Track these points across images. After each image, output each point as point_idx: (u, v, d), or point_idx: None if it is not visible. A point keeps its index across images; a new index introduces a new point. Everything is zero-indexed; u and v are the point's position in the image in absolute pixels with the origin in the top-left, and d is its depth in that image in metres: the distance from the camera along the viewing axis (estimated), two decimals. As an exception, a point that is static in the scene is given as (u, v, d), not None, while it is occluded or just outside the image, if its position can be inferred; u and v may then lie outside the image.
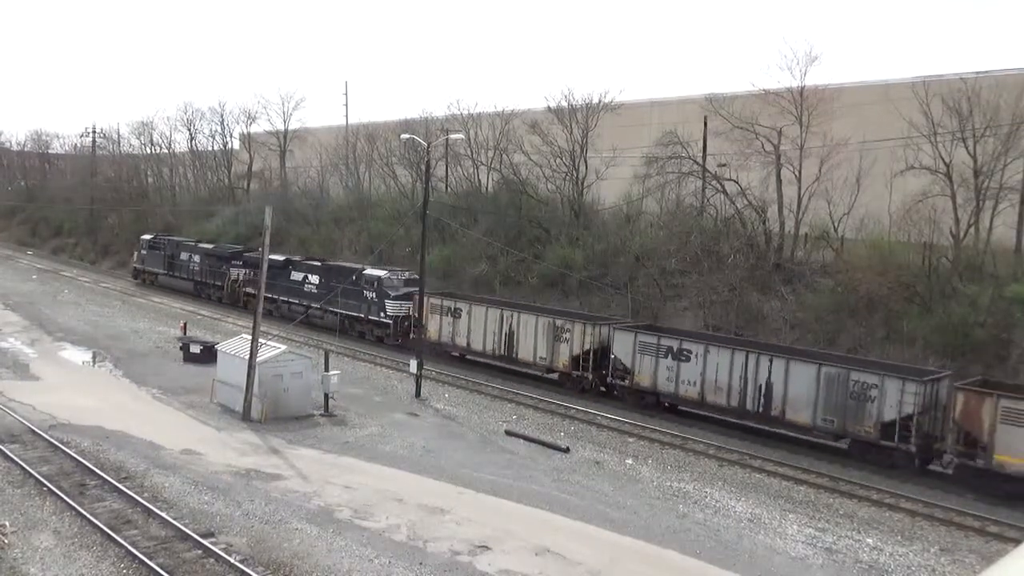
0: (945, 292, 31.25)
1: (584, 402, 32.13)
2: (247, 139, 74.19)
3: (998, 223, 32.94)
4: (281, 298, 47.80)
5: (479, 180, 53.59)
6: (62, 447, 23.25)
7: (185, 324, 42.12)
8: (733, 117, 37.83)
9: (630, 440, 27.98)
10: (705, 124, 40.89)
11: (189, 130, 78.83)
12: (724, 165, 39.86)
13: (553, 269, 42.53)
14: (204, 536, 17.72)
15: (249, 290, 50.83)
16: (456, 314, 38.05)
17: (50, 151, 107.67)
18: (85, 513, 18.66)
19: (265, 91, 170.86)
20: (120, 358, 36.69)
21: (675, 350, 30.11)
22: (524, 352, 35.28)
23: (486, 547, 18.25)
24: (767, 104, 37.50)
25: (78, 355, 37.68)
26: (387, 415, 29.62)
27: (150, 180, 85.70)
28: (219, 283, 54.43)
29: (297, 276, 47.39)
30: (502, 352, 36.30)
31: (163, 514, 18.78)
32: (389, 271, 43.08)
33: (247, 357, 27.41)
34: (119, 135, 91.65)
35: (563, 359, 33.89)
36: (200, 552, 17.15)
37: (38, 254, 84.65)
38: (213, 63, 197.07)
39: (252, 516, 19.27)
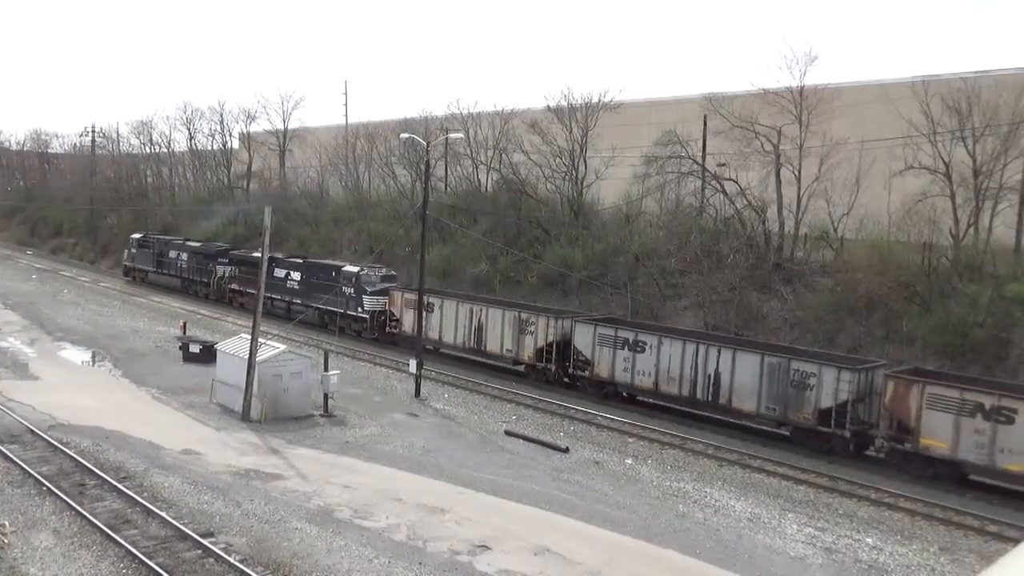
0: (945, 292, 31.25)
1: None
2: (247, 139, 74.12)
3: (998, 223, 32.93)
4: (264, 294, 48.11)
5: (479, 180, 53.56)
6: (62, 447, 23.25)
7: (185, 324, 42.14)
8: (733, 117, 37.80)
9: (629, 440, 27.98)
10: (705, 124, 40.87)
11: (188, 129, 78.82)
12: (724, 165, 39.85)
13: (553, 269, 42.54)
14: (204, 536, 17.72)
15: (234, 286, 52.93)
16: (429, 308, 38.84)
17: (49, 151, 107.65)
18: (85, 513, 18.66)
19: (265, 91, 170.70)
20: (120, 358, 36.69)
21: (631, 342, 31.20)
22: (492, 345, 36.40)
23: (486, 547, 18.25)
24: (767, 104, 37.48)
25: (78, 355, 37.68)
26: (387, 415, 29.62)
27: (150, 180, 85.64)
28: (205, 280, 56.04)
29: (280, 273, 48.27)
30: (472, 345, 37.56)
31: (163, 514, 18.79)
32: (366, 267, 44.06)
33: (246, 357, 27.41)
34: (118, 134, 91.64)
35: (528, 351, 35.06)
36: (200, 552, 17.15)
37: (38, 254, 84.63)
38: (213, 63, 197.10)
39: (252, 516, 19.27)
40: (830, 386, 25.93)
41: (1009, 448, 22.28)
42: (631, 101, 48.16)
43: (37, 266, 73.73)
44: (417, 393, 32.48)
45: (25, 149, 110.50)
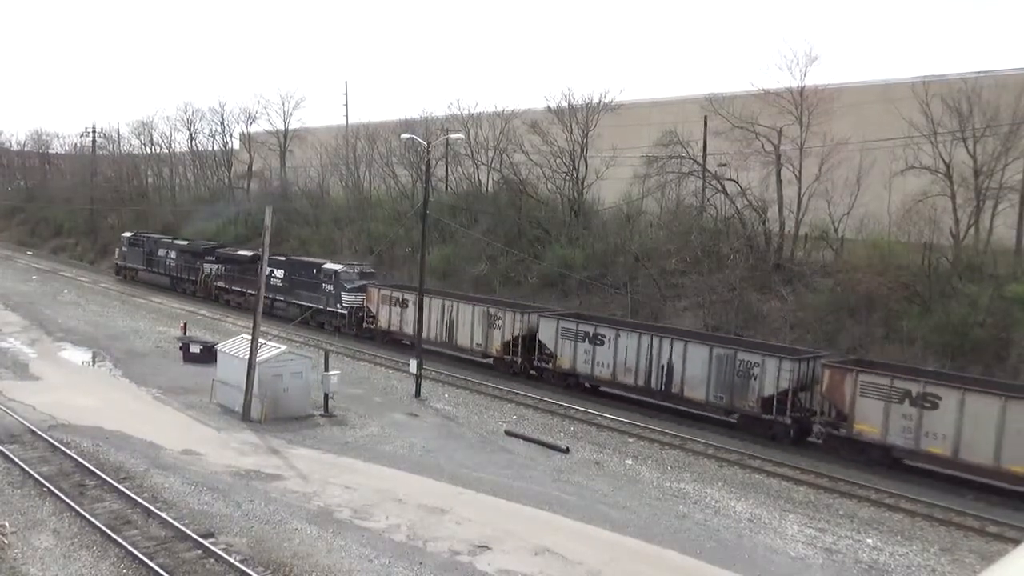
0: (945, 292, 31.24)
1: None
2: (247, 139, 74.15)
3: (998, 223, 32.93)
4: (248, 291, 50.37)
5: (479, 180, 53.56)
6: (62, 447, 23.24)
7: (185, 324, 42.14)
8: (733, 117, 37.82)
9: (630, 440, 27.98)
10: (705, 124, 40.88)
11: (189, 130, 78.88)
12: (724, 165, 39.85)
13: (553, 269, 42.54)
14: (204, 536, 17.71)
15: (220, 284, 54.54)
16: (404, 304, 40.47)
17: (50, 151, 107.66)
18: (85, 513, 18.65)
19: (265, 91, 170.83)
20: (120, 358, 36.69)
21: (591, 335, 32.50)
22: (463, 339, 37.57)
23: (486, 547, 18.25)
24: (767, 104, 37.50)
25: (78, 355, 37.69)
26: (387, 415, 29.62)
27: (150, 180, 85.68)
28: (193, 278, 57.39)
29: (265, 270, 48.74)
30: (444, 339, 38.79)
31: (163, 514, 18.77)
32: (346, 265, 45.54)
33: (247, 357, 27.39)
34: (119, 135, 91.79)
35: (496, 345, 36.33)
36: (200, 552, 17.14)
37: (38, 254, 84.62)
38: (213, 63, 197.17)
39: (252, 516, 19.26)
40: (772, 375, 27.12)
41: (933, 432, 23.60)
42: (631, 101, 48.16)
43: (37, 266, 73.73)
44: (417, 393, 32.48)
45: (26, 149, 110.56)
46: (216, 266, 55.43)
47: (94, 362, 36.34)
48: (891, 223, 34.17)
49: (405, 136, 44.59)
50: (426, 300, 38.85)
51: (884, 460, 25.07)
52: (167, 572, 16.15)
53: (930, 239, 32.65)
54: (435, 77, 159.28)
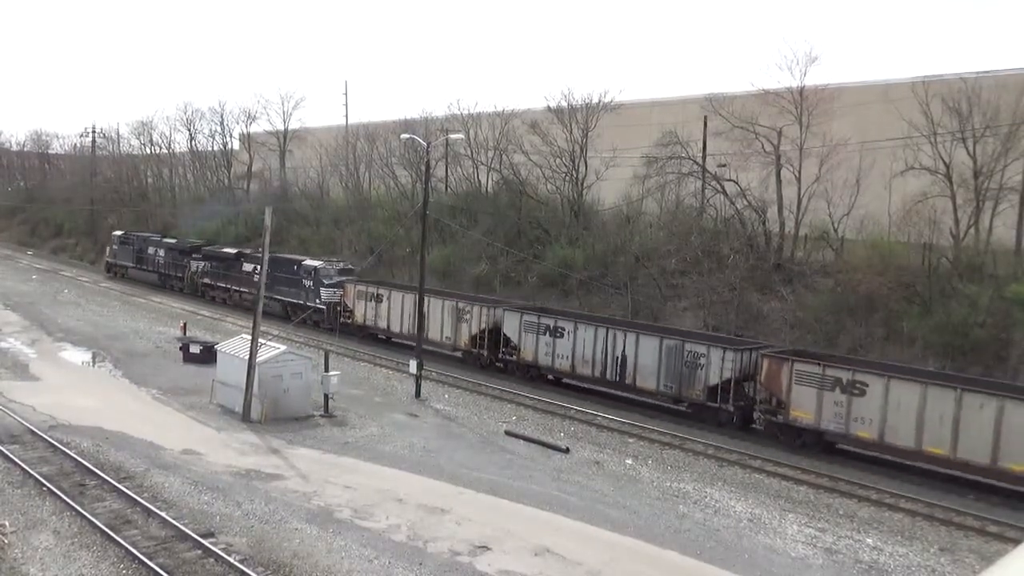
0: (945, 292, 31.24)
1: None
2: (247, 139, 74.11)
3: (998, 223, 32.91)
4: (233, 287, 52.46)
5: (479, 180, 53.53)
6: (62, 448, 23.25)
7: (185, 324, 42.16)
8: (733, 117, 37.79)
9: (630, 440, 27.99)
10: (705, 124, 40.86)
11: (189, 130, 78.77)
12: (724, 165, 39.83)
13: (553, 269, 42.53)
14: (204, 536, 17.72)
15: (206, 280, 56.21)
16: (378, 299, 41.75)
17: (50, 151, 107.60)
18: (85, 513, 18.66)
19: (265, 91, 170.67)
20: (120, 358, 36.68)
21: (552, 328, 33.83)
22: (433, 332, 38.10)
23: (486, 547, 18.25)
24: (767, 104, 37.47)
25: (78, 355, 37.68)
26: (387, 415, 29.62)
27: (150, 180, 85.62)
28: (180, 275, 59.00)
29: (248, 267, 51.36)
30: (415, 333, 38.76)
31: (163, 514, 18.78)
32: (324, 262, 47.09)
33: (247, 357, 27.39)
34: (119, 135, 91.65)
35: (464, 338, 37.46)
36: (200, 552, 17.15)
37: (38, 254, 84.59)
38: (213, 63, 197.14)
39: (252, 516, 19.27)
40: (717, 365, 28.56)
41: (861, 417, 25.01)
42: (631, 102, 48.14)
43: (37, 266, 73.73)
44: (417, 394, 32.48)
45: (25, 150, 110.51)
46: (202, 263, 57.03)
47: (94, 362, 36.33)
48: (891, 223, 34.16)
49: (405, 136, 44.61)
50: (399, 295, 40.92)
51: (818, 444, 26.41)
52: (167, 572, 16.16)
53: (930, 239, 32.64)
54: (435, 77, 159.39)
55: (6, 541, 17.16)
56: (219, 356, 30.08)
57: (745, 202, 39.00)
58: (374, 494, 21.15)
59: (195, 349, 36.29)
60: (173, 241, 62.51)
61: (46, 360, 36.03)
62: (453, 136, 44.84)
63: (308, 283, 46.20)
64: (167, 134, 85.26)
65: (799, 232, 38.09)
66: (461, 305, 37.65)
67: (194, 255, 58.28)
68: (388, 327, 41.57)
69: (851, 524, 21.21)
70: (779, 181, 38.31)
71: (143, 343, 40.48)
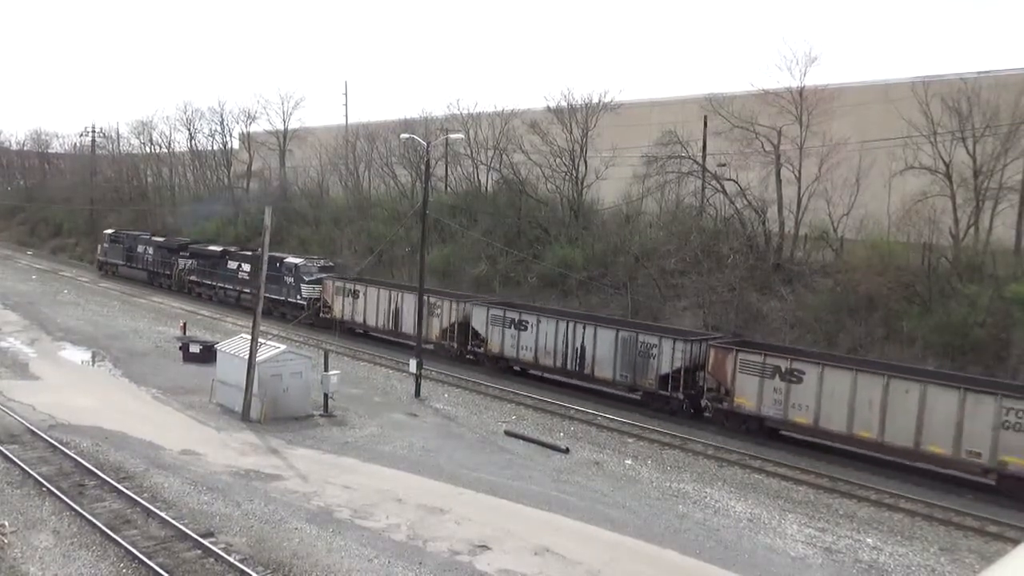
0: (945, 292, 31.23)
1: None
2: (247, 139, 74.07)
3: (998, 223, 32.89)
4: (218, 284, 53.90)
5: (479, 180, 53.52)
6: (61, 447, 23.24)
7: (185, 324, 42.16)
8: (733, 117, 37.77)
9: (629, 440, 27.99)
10: (705, 124, 40.84)
11: (189, 130, 78.69)
12: (724, 165, 39.82)
13: (553, 269, 42.53)
14: (204, 536, 17.71)
15: (193, 278, 57.57)
16: (355, 295, 43.17)
17: (50, 151, 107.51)
18: (85, 513, 18.65)
19: (265, 91, 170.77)
20: (120, 358, 36.68)
21: (516, 321, 35.15)
22: (407, 327, 39.34)
23: (486, 547, 18.25)
24: (767, 104, 37.45)
25: (78, 355, 37.67)
26: (387, 415, 29.62)
27: (150, 180, 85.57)
28: (168, 272, 60.20)
29: (232, 265, 52.91)
30: (390, 327, 41.61)
31: (163, 514, 18.77)
32: (305, 259, 48.52)
33: (246, 357, 27.38)
34: (119, 135, 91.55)
35: (435, 332, 38.64)
36: (200, 552, 17.14)
37: (38, 254, 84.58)
38: (213, 63, 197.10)
39: (252, 516, 19.26)
40: (668, 355, 29.82)
41: (799, 404, 26.23)
42: (631, 101, 48.13)
43: (37, 266, 73.72)
44: (417, 393, 32.48)
45: (25, 149, 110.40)
46: (189, 261, 58.30)
47: (94, 362, 36.32)
48: (891, 223, 34.14)
49: (405, 136, 44.64)
50: (375, 291, 42.18)
51: (760, 430, 27.58)
52: (167, 572, 16.15)
53: (930, 239, 32.62)
54: (435, 77, 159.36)
55: (6, 541, 17.16)
56: (219, 356, 30.07)
57: (745, 202, 38.99)
58: (374, 494, 21.15)
59: (195, 349, 36.29)
60: (161, 240, 63.59)
61: (46, 359, 36.03)
62: (453, 136, 44.84)
63: (289, 280, 47.23)
64: (167, 134, 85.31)
65: (799, 232, 38.08)
66: (432, 300, 38.41)
67: (181, 253, 59.42)
68: (364, 322, 42.73)
69: (851, 524, 21.20)
70: (779, 181, 38.30)
71: (143, 342, 40.47)
